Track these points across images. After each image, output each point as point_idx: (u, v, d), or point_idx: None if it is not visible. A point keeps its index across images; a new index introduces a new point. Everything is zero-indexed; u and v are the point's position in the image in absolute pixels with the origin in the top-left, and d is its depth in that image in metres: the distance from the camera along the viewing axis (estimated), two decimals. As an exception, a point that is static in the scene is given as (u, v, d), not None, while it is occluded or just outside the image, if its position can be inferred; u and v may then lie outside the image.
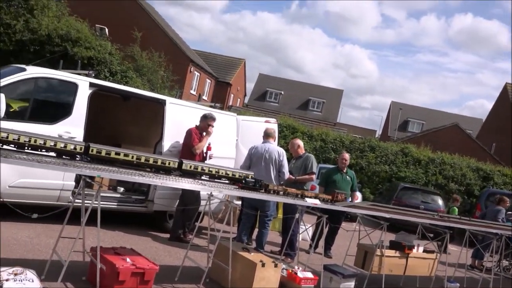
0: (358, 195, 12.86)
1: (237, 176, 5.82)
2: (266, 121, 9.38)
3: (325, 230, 8.37)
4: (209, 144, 7.90)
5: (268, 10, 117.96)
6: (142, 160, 5.16)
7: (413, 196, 16.03)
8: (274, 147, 7.69)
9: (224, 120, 8.63)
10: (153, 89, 20.37)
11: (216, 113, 8.29)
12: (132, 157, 5.08)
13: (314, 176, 8.25)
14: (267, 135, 7.82)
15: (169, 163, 5.35)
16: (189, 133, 7.66)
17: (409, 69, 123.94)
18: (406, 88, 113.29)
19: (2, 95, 6.15)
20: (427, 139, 26.77)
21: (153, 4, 47.27)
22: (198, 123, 7.82)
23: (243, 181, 5.70)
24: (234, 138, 8.84)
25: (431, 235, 8.30)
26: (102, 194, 5.45)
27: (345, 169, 9.11)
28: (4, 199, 4.53)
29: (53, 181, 6.64)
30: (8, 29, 16.97)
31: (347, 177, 9.06)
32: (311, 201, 6.13)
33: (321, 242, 8.35)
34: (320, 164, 17.82)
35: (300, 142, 8.55)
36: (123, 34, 23.09)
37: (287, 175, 7.63)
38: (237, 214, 8.53)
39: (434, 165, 20.59)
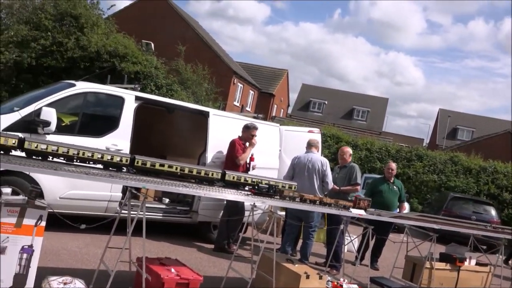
0: (406, 205, 12.52)
1: (279, 186, 5.79)
2: (310, 131, 9.30)
3: (372, 242, 8.19)
4: (252, 155, 7.92)
5: (311, 20, 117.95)
6: (186, 171, 5.22)
7: (464, 207, 15.45)
8: (317, 157, 7.61)
9: (267, 131, 8.63)
10: (198, 102, 20.70)
11: (259, 124, 8.31)
12: (176, 168, 5.15)
13: (359, 187, 8.11)
14: (310, 145, 7.75)
15: (212, 174, 5.39)
16: (232, 144, 7.70)
17: (456, 75, 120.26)
18: (454, 95, 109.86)
19: (53, 110, 6.40)
20: (478, 147, 25.79)
21: (197, 19, 48.25)
22: (241, 134, 7.86)
23: (256, 187, 5.53)
24: (277, 148, 8.81)
25: (484, 247, 7.95)
26: (147, 205, 5.56)
27: (392, 179, 8.88)
28: (55, 210, 4.68)
29: (101, 192, 6.83)
30: (60, 47, 17.74)
31: (394, 187, 8.82)
32: (356, 212, 6.00)
33: (368, 254, 8.17)
34: (366, 174, 17.51)
35: (351, 150, 8.42)
36: (168, 49, 23.67)
37: (330, 185, 7.52)
38: (281, 225, 8.47)
39: (486, 174, 19.78)
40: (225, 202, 7.65)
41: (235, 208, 7.46)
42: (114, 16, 23.62)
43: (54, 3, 18.72)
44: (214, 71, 25.49)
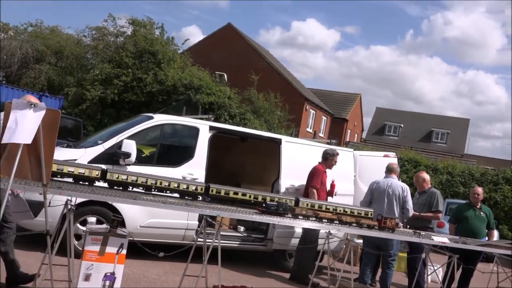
0: (495, 233, 11.65)
1: (355, 213, 5.62)
2: (385, 156, 9.01)
3: (459, 271, 7.68)
4: (332, 181, 7.77)
5: (382, 43, 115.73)
6: (259, 199, 5.22)
7: (562, 233, 14.15)
8: (397, 183, 7.32)
9: (341, 157, 8.46)
10: (270, 129, 20.89)
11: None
12: (250, 196, 5.17)
13: (440, 215, 7.68)
14: (389, 170, 7.47)
15: (285, 202, 5.34)
16: (313, 171, 7.57)
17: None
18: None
19: (133, 142, 6.71)
20: None
21: (268, 48, 49.17)
22: (320, 161, 7.73)
23: (264, 205, 5.21)
24: (352, 174, 8.61)
25: None
26: (222, 233, 5.60)
27: (479, 204, 8.27)
28: (135, 238, 4.85)
29: (179, 221, 6.99)
30: (140, 83, 18.81)
31: (482, 213, 8.19)
32: (438, 239, 5.67)
33: (454, 285, 7.65)
34: (448, 199, 16.63)
35: (426, 175, 8.04)
36: (241, 78, 24.22)
37: (411, 212, 7.18)
38: (359, 253, 8.19)
39: None
40: (297, 229, 7.52)
41: (312, 236, 7.27)
42: (188, 50, 24.68)
43: (133, 42, 19.97)
44: (286, 99, 25.66)
